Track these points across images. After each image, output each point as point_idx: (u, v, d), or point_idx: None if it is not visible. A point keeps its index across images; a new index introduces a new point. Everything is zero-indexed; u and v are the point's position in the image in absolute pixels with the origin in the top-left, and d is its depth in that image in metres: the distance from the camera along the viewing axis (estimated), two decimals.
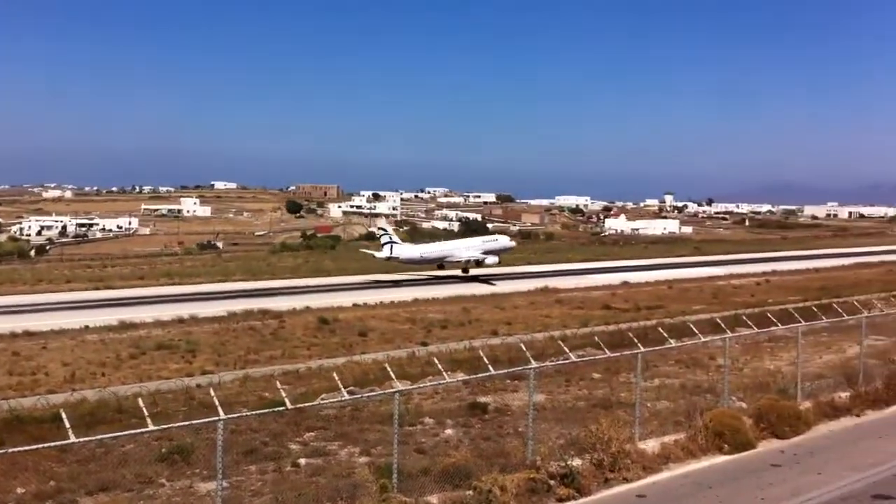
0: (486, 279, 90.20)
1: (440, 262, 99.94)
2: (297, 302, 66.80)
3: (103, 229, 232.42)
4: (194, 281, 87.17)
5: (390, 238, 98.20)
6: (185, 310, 59.66)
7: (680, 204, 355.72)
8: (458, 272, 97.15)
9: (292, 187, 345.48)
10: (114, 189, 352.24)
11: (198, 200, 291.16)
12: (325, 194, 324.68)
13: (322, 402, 26.35)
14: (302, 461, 22.76)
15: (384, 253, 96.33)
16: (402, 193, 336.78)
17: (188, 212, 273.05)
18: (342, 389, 21.19)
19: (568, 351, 25.90)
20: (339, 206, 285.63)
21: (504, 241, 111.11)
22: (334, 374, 23.46)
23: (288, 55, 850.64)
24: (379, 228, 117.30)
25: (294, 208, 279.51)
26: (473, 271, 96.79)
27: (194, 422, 19.08)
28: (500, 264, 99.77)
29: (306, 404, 23.03)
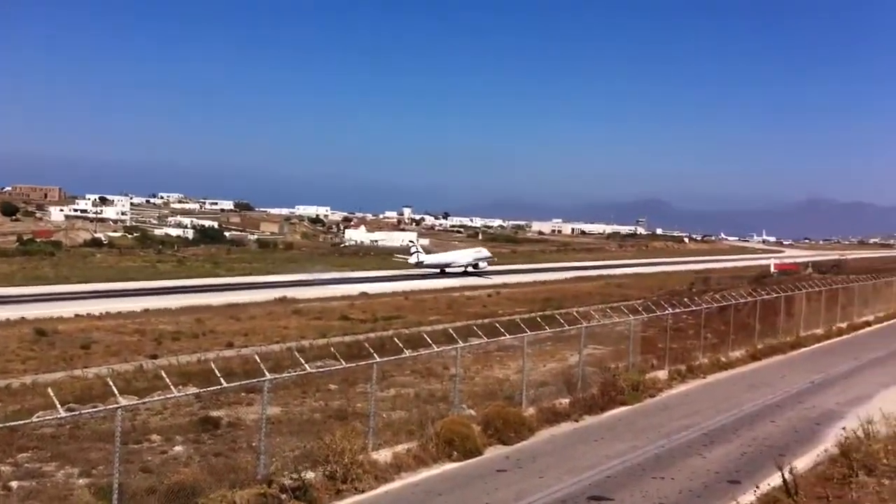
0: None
1: (443, 268, 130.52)
2: (11, 312, 61.63)
3: None
4: None
5: (417, 249, 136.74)
6: None
7: (418, 216, 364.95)
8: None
9: (8, 188, 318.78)
10: None
11: None
12: (46, 196, 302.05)
13: (37, 419, 24.28)
14: (14, 484, 20.81)
15: (413, 259, 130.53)
16: (132, 198, 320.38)
17: None
18: (58, 406, 19.64)
19: (304, 362, 25.58)
20: (62, 210, 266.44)
21: (486, 253, 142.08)
22: (49, 390, 21.72)
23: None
24: (409, 241, 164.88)
25: (9, 210, 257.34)
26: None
27: None
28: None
29: (18, 422, 21.20)
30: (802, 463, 23.18)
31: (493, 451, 25.17)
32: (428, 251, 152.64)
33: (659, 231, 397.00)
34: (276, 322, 64.49)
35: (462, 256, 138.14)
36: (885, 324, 62.87)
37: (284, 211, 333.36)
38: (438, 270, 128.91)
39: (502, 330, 32.67)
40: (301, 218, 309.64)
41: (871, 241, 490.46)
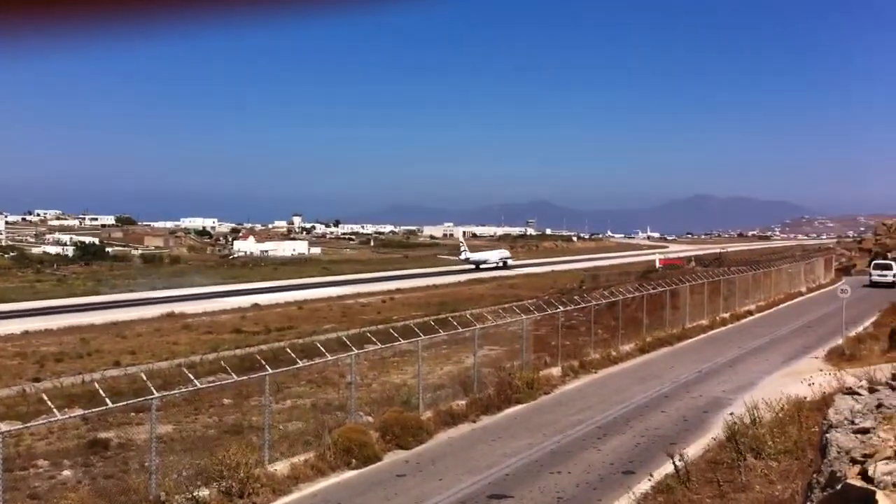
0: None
1: (479, 264, 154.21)
2: None
3: None
4: None
5: (465, 248, 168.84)
6: None
7: (308, 225, 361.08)
8: None
9: None
10: None
11: None
12: None
13: None
14: None
15: (463, 256, 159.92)
16: (6, 216, 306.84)
17: None
18: None
19: (193, 378, 24.97)
20: None
21: (507, 253, 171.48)
22: None
23: None
24: (460, 241, 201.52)
25: None
26: None
27: None
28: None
29: None
30: (693, 450, 23.86)
31: (392, 457, 25.06)
32: (475, 249, 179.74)
33: (548, 231, 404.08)
34: (164, 338, 62.72)
35: (493, 255, 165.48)
36: (765, 312, 65.44)
37: (169, 224, 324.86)
38: (474, 266, 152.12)
39: (397, 335, 32.60)
40: (187, 231, 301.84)
41: (750, 233, 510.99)
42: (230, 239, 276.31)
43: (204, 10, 3.54)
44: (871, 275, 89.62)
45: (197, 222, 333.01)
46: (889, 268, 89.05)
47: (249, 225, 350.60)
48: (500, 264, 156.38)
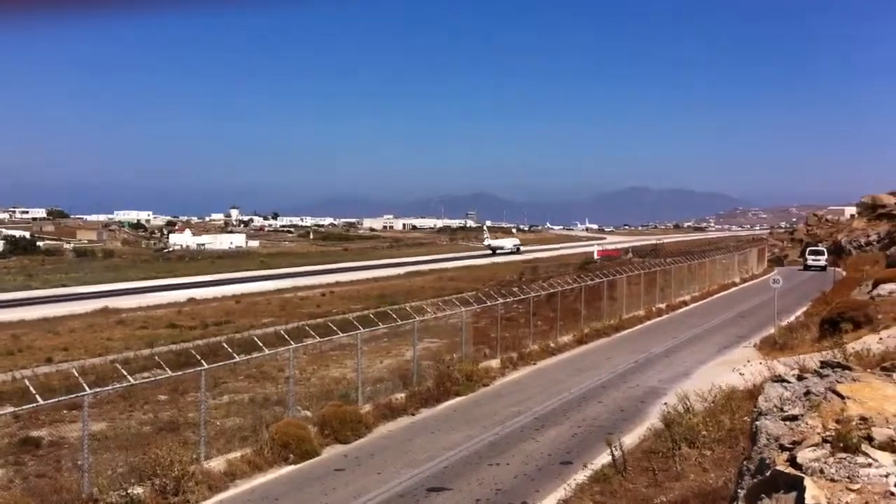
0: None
1: (495, 250, 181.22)
2: None
3: None
4: None
5: (487, 235, 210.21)
6: None
7: (246, 218, 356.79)
8: None
9: None
10: None
11: None
12: None
13: None
14: None
15: (485, 243, 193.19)
16: None
17: None
18: None
19: (126, 374, 24.47)
20: None
21: (518, 241, 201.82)
22: None
23: None
24: (484, 230, 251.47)
25: None
26: None
27: None
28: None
29: None
30: (630, 439, 24.18)
31: (331, 451, 24.92)
32: (495, 236, 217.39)
33: (488, 223, 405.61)
34: (98, 334, 61.44)
35: (508, 243, 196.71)
36: (700, 303, 66.56)
37: (102, 217, 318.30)
38: (491, 252, 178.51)
39: (336, 329, 32.46)
40: (121, 224, 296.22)
41: (686, 225, 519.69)
42: (165, 232, 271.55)
43: None
44: (806, 260, 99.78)
45: (131, 215, 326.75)
46: (822, 253, 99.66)
47: (185, 218, 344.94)
48: (514, 250, 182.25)
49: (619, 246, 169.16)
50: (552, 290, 49.56)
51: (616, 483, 19.82)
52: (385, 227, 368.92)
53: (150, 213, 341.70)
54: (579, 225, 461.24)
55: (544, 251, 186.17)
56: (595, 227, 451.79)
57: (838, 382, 9.76)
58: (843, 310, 38.76)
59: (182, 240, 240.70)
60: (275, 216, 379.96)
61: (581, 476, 20.88)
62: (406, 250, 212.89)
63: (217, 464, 22.39)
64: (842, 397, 9.33)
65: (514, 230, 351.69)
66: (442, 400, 31.43)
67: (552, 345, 43.31)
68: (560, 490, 20.45)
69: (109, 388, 27.50)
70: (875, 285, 44.74)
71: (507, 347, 40.33)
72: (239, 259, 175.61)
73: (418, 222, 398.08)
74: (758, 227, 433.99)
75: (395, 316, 37.00)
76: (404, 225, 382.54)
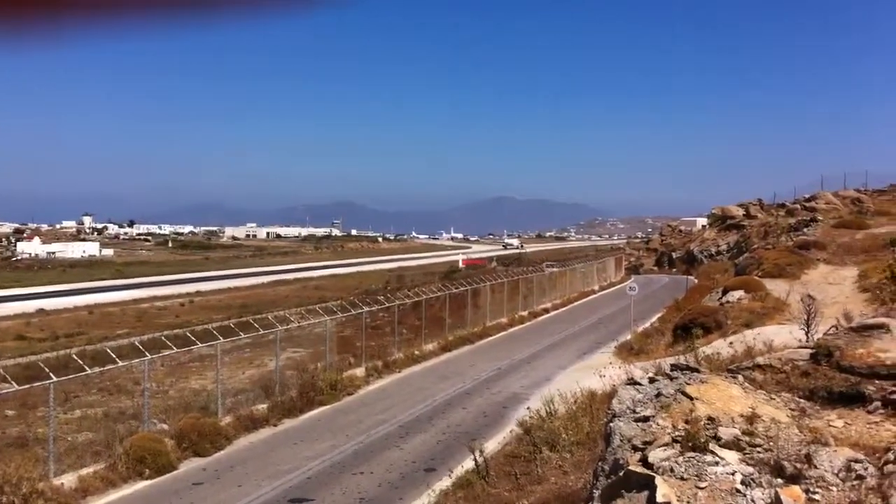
0: None
1: (505, 247, 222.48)
2: None
3: None
4: None
5: (504, 240, 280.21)
6: None
7: (100, 225, 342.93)
8: None
9: None
10: None
11: None
12: None
13: None
14: None
15: (504, 242, 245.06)
16: None
17: None
18: None
19: None
20: None
21: (519, 242, 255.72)
22: None
23: None
24: (504, 234, 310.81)
25: None
26: None
27: None
28: None
29: None
30: (492, 445, 24.46)
31: (189, 465, 24.18)
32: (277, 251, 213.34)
33: (354, 232, 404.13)
34: None
35: (515, 242, 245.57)
36: (561, 310, 68.13)
37: None
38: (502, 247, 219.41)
39: (195, 339, 31.63)
40: None
41: (548, 234, 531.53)
42: (13, 240, 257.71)
43: None
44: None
45: None
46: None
47: (35, 225, 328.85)
48: (522, 249, 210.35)
49: (483, 255, 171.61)
50: (417, 299, 49.73)
51: (479, 488, 19.97)
52: (248, 236, 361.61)
53: None
54: (445, 234, 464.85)
55: (410, 259, 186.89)
56: (460, 236, 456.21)
57: (687, 384, 10.14)
58: (695, 316, 40.40)
59: (31, 248, 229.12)
60: (131, 224, 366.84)
61: (444, 483, 20.97)
62: (269, 259, 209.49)
63: (68, 480, 21.40)
64: (690, 398, 9.70)
65: (379, 239, 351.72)
66: (306, 410, 31.01)
67: (417, 353, 43.42)
68: (424, 497, 20.48)
69: None
70: (724, 292, 46.69)
71: (373, 356, 40.19)
72: (92, 268, 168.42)
73: (283, 231, 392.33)
74: (616, 237, 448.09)
75: (257, 326, 36.35)
76: (268, 234, 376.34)
